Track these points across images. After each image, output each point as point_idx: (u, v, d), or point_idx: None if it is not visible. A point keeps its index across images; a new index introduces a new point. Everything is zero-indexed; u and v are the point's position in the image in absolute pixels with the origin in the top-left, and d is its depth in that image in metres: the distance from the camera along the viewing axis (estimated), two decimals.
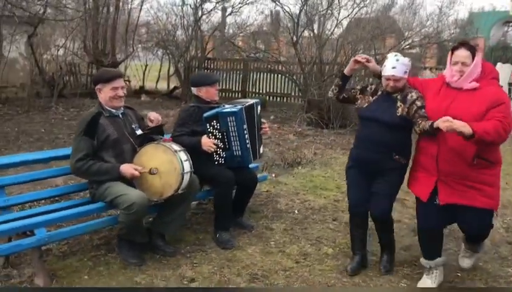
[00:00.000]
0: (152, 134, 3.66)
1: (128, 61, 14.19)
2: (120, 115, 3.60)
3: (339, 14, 10.45)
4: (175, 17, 13.64)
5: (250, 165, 4.32)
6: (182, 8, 13.28)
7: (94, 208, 3.49)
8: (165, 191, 3.44)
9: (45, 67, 12.49)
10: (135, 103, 11.80)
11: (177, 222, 3.72)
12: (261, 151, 4.38)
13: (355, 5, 10.33)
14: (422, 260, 3.38)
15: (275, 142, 8.16)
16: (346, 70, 3.58)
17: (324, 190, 5.52)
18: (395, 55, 3.34)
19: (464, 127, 2.80)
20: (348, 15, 10.50)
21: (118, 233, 3.54)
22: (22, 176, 3.68)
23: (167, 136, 3.93)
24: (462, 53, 3.08)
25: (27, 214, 3.31)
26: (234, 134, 3.93)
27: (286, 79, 12.19)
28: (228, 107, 3.98)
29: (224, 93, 13.04)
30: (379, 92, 3.43)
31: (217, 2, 13.39)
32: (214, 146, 3.91)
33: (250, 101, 4.19)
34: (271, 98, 13.01)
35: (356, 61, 3.51)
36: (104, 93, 3.52)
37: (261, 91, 13.10)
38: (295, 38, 10.31)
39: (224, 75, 13.47)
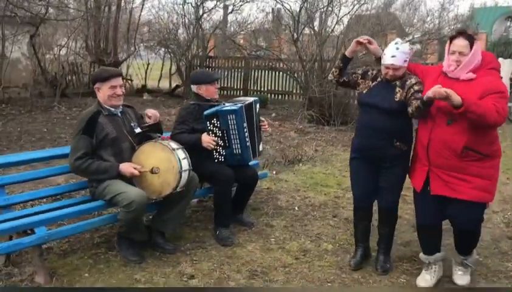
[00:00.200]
0: (151, 132, 3.68)
1: (130, 60, 14.23)
2: (119, 114, 3.62)
3: (339, 11, 10.45)
4: (176, 15, 13.69)
5: (251, 163, 4.33)
6: (183, 7, 13.31)
7: (94, 206, 3.51)
8: (163, 190, 3.45)
9: (47, 67, 12.54)
10: (138, 102, 11.83)
11: (176, 220, 3.74)
12: (260, 149, 4.39)
13: (355, 2, 10.33)
14: (422, 256, 3.39)
15: (276, 140, 8.17)
16: (347, 52, 3.53)
17: (324, 186, 5.53)
18: (395, 43, 3.26)
19: (454, 94, 2.78)
20: (349, 12, 10.49)
21: (118, 231, 3.56)
22: (22, 175, 3.70)
23: (166, 134, 3.94)
24: (460, 43, 3.02)
25: (28, 213, 3.33)
26: (234, 132, 3.94)
27: (287, 76, 12.19)
28: (228, 106, 3.99)
29: (225, 92, 13.06)
30: (379, 79, 3.39)
31: (218, 0, 13.41)
32: (214, 143, 3.92)
33: (249, 99, 4.20)
34: (272, 95, 13.03)
35: (358, 42, 3.47)
36: (103, 92, 3.53)
37: (262, 89, 13.12)
38: (295, 36, 10.30)
39: (226, 73, 13.49)
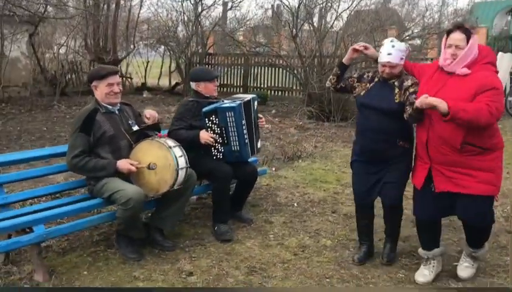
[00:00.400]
0: (148, 131, 3.67)
1: (130, 58, 14.22)
2: (117, 112, 3.62)
3: (338, 6, 10.43)
4: (175, 13, 13.67)
5: (250, 159, 4.33)
6: (182, 4, 13.29)
7: (92, 204, 3.52)
8: (160, 188, 3.46)
9: (47, 65, 12.55)
10: (138, 100, 11.84)
11: (175, 217, 3.75)
12: (259, 146, 4.39)
13: None
14: (420, 251, 3.39)
15: (275, 136, 8.17)
16: (344, 59, 3.54)
17: (324, 182, 5.53)
18: (391, 41, 3.29)
19: (440, 103, 2.80)
20: (348, 7, 10.47)
21: (117, 229, 3.57)
22: (21, 174, 3.72)
23: (163, 132, 3.94)
24: (456, 36, 3.01)
25: (26, 211, 3.34)
26: (232, 129, 3.94)
27: (287, 73, 12.17)
28: (227, 103, 3.99)
29: (225, 89, 13.05)
30: (376, 79, 3.40)
31: None
32: (212, 139, 3.92)
33: (248, 96, 4.20)
34: (272, 92, 13.00)
35: (355, 50, 3.48)
36: (100, 90, 3.54)
37: (262, 85, 13.10)
38: (294, 32, 10.28)
39: (225, 70, 13.48)
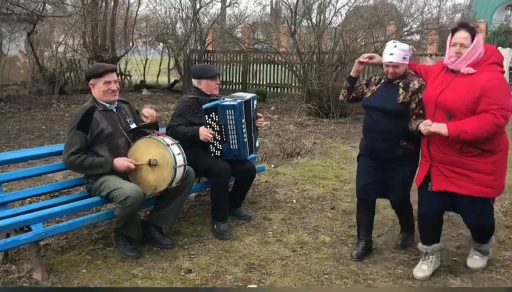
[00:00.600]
0: (146, 129, 3.67)
1: (128, 56, 14.22)
2: (114, 110, 3.61)
3: (337, 2, 10.46)
4: (174, 10, 13.66)
5: (249, 157, 4.32)
6: (180, 1, 13.31)
7: (91, 202, 3.51)
8: (158, 185, 3.45)
9: (45, 64, 12.56)
10: (137, 98, 11.85)
11: (174, 215, 3.74)
12: (257, 145, 4.39)
13: None
14: (420, 245, 3.39)
15: (274, 133, 8.17)
16: (352, 72, 3.65)
17: (323, 179, 5.53)
18: (393, 42, 3.38)
19: (441, 129, 2.93)
20: (347, 3, 10.47)
21: (115, 227, 3.57)
22: (19, 172, 3.70)
23: (161, 130, 3.94)
24: (461, 35, 3.04)
25: (24, 210, 3.34)
26: (232, 128, 3.94)
27: (286, 70, 12.17)
28: (228, 101, 3.98)
29: (224, 86, 13.04)
30: (382, 81, 3.47)
31: None
32: (211, 136, 3.92)
33: (248, 95, 4.19)
34: (271, 89, 13.01)
35: (360, 63, 3.58)
36: (98, 88, 3.53)
37: (261, 82, 13.10)
38: (293, 28, 10.27)
39: (224, 67, 13.47)
